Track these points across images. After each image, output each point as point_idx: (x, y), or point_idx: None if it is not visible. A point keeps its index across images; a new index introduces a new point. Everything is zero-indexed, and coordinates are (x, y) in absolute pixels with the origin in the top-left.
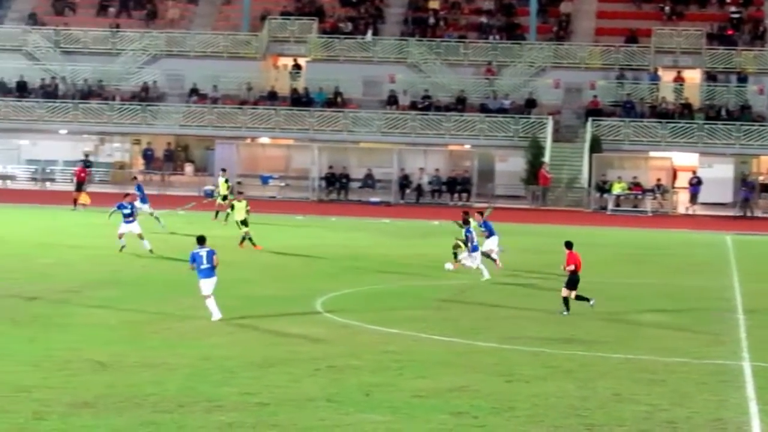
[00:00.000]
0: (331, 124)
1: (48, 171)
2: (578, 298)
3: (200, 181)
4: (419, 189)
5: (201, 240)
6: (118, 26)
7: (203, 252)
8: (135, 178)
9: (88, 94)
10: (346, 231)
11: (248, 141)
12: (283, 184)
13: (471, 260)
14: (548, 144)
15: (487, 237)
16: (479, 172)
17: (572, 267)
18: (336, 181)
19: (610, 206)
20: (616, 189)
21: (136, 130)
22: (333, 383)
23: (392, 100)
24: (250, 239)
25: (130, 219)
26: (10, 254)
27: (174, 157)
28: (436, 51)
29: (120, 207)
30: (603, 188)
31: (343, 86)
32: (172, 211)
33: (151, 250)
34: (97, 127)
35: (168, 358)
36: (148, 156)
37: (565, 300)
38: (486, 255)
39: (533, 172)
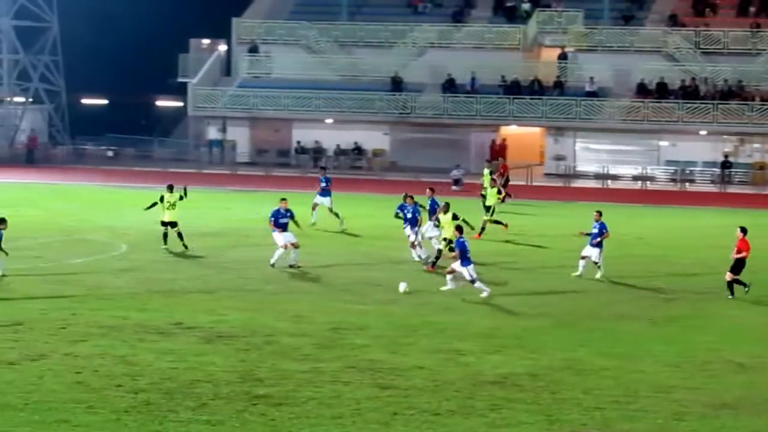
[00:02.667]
0: None
1: (687, 172)
2: (736, 281)
3: None
4: None
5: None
6: (758, 26)
7: None
8: (324, 168)
9: (727, 94)
10: None
11: None
12: None
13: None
14: None
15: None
16: None
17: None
18: None
19: None
20: None
21: None
22: None
23: None
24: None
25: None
26: (650, 255)
27: None
28: None
29: (401, 208)
30: None
31: None
32: None
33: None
34: (736, 128)
35: None
36: None
37: (729, 284)
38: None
39: None
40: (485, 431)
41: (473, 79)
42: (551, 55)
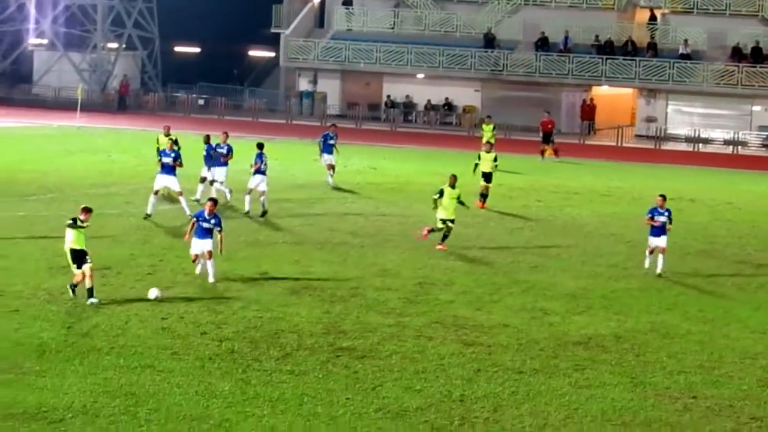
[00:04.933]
0: None
1: None
2: None
3: None
4: None
5: None
6: None
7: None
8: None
9: None
10: None
11: None
12: None
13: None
14: None
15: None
16: None
17: None
18: None
19: None
20: None
21: None
22: None
23: None
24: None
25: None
26: (741, 220)
27: None
28: None
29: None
30: None
31: None
32: None
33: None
34: None
35: None
36: None
37: None
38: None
39: None
40: (568, 391)
41: (566, 38)
42: (646, 16)
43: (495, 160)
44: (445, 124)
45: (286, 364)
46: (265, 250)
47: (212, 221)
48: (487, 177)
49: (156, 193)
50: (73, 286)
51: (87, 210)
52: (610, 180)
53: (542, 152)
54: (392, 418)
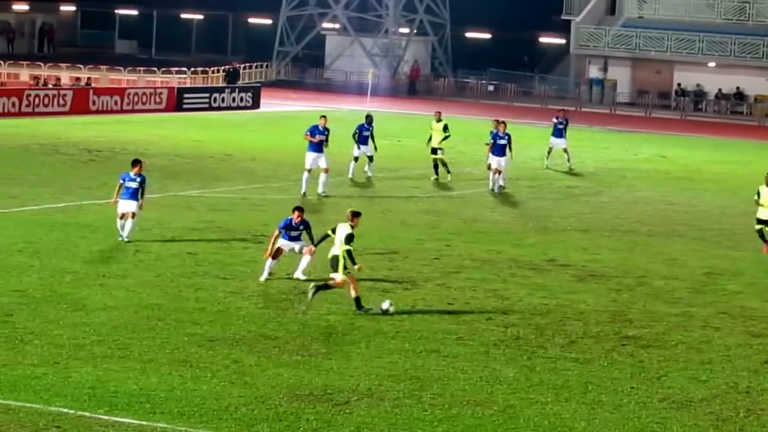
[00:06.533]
0: None
1: None
2: None
3: None
4: None
5: None
6: None
7: None
8: (563, 109)
9: None
10: None
11: None
12: None
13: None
14: None
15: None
16: None
17: None
18: None
19: None
20: None
21: None
22: None
23: None
24: None
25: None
26: None
27: None
28: None
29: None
30: None
31: None
32: None
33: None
34: None
35: None
36: None
37: None
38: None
39: None
40: None
41: None
42: None
43: None
44: (735, 113)
45: (571, 352)
46: (554, 236)
47: (301, 227)
48: None
49: (309, 171)
50: (324, 287)
51: (357, 214)
52: None
53: None
54: (677, 408)
